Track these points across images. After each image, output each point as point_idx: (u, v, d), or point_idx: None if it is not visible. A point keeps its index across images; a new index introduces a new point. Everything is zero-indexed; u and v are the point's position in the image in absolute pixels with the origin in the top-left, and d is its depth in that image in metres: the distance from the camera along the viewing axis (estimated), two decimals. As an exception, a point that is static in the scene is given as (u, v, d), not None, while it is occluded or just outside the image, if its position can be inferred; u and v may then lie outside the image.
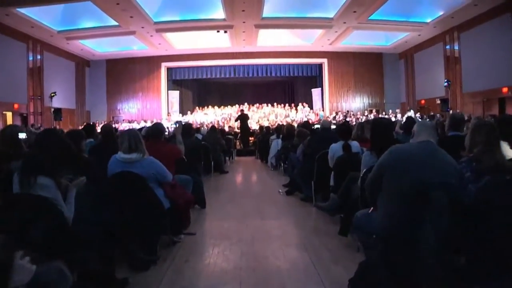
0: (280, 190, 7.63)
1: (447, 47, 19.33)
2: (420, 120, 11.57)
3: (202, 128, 13.92)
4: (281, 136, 10.47)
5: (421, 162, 2.47)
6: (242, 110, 19.70)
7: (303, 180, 6.45)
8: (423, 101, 22.17)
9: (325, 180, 5.54)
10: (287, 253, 4.14)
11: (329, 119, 20.71)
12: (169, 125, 18.70)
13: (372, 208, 2.95)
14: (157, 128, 4.77)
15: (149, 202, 3.63)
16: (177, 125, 5.38)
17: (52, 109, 18.83)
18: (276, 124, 16.88)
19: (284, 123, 16.66)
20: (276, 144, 10.70)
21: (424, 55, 21.77)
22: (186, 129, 6.66)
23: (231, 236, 4.77)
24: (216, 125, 20.60)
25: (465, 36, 17.83)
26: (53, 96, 19.04)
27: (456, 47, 18.59)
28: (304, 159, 6.60)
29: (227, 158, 12.76)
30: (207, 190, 7.24)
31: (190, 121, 21.99)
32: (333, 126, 8.95)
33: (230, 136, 14.80)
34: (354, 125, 7.28)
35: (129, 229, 3.44)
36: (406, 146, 2.70)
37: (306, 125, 9.10)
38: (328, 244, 4.30)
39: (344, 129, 5.29)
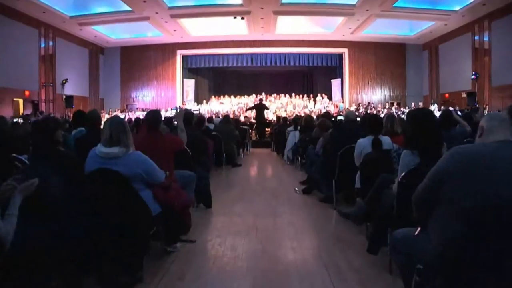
0: (297, 189, 6.84)
1: (476, 37, 18.13)
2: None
3: (215, 118, 13.22)
4: (298, 128, 9.68)
5: (503, 170, 1.70)
6: (261, 100, 18.80)
7: (322, 178, 5.67)
8: (447, 95, 21.01)
9: (348, 180, 4.79)
10: (303, 271, 3.39)
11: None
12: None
13: (419, 228, 2.19)
14: (153, 116, 4.01)
15: (131, 207, 2.92)
16: (178, 111, 4.64)
17: (64, 96, 18.39)
18: (294, 115, 16.10)
19: (302, 114, 15.89)
20: (293, 136, 9.91)
21: (449, 46, 20.58)
22: (187, 117, 5.88)
23: (236, 246, 4.04)
24: (231, 115, 20.04)
25: (496, 26, 16.61)
26: (65, 83, 18.60)
27: (486, 38, 17.36)
28: (325, 154, 5.82)
29: (240, 150, 12.06)
30: (215, 186, 6.58)
31: (206, 111, 21.50)
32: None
33: (245, 127, 13.96)
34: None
35: (105, 242, 2.74)
36: (476, 147, 1.90)
37: (327, 116, 8.26)
38: (353, 260, 3.53)
39: (375, 122, 4.47)
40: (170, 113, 17.95)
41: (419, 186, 2.06)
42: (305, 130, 8.41)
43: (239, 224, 4.87)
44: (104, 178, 2.90)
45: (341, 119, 7.22)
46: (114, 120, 3.14)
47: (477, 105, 16.32)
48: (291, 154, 10.00)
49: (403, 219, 2.56)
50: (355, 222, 4.24)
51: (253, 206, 5.83)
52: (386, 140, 4.27)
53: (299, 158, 9.11)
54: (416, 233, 2.18)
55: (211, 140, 7.74)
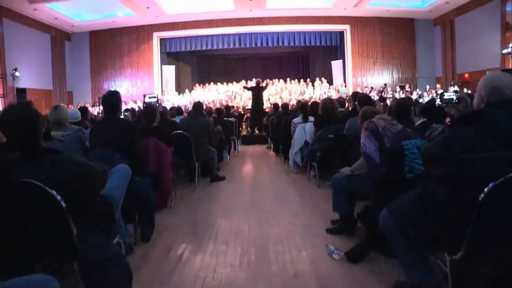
0: (332, 248, 3.24)
1: (508, 8, 15.03)
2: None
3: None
4: (311, 119, 6.40)
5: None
6: (258, 82, 15.01)
7: (408, 235, 2.23)
8: (466, 75, 17.93)
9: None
10: None
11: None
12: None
13: None
14: None
15: None
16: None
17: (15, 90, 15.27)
18: (299, 101, 12.87)
19: (308, 99, 12.76)
20: (301, 131, 6.54)
21: (468, 19, 17.56)
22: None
23: None
24: (218, 105, 16.79)
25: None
26: (15, 73, 15.44)
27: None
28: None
29: (225, 152, 8.83)
30: (168, 235, 3.47)
31: (188, 101, 18.37)
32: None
33: (231, 119, 10.14)
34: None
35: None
36: None
37: (366, 98, 4.86)
38: None
39: None
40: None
41: None
42: (325, 122, 5.19)
43: None
44: None
45: (463, 97, 3.22)
46: None
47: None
48: (300, 158, 6.73)
49: None
50: None
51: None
52: None
53: (316, 166, 5.82)
54: None
55: (169, 145, 4.55)
